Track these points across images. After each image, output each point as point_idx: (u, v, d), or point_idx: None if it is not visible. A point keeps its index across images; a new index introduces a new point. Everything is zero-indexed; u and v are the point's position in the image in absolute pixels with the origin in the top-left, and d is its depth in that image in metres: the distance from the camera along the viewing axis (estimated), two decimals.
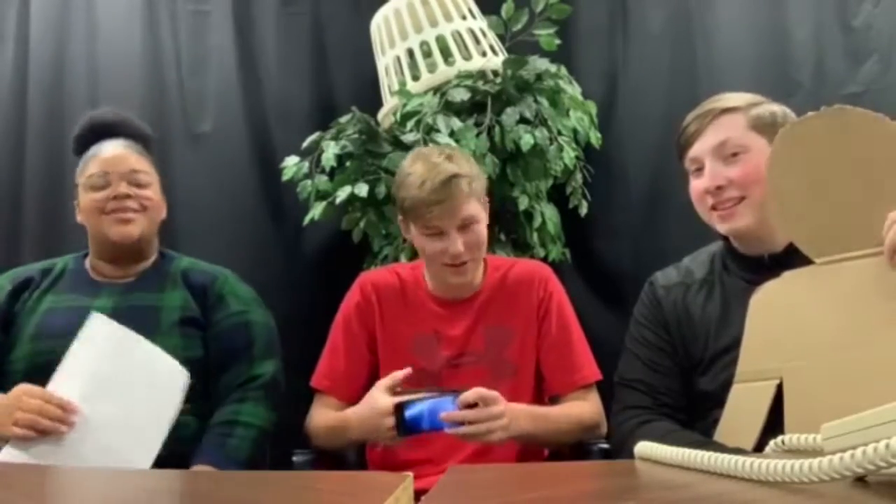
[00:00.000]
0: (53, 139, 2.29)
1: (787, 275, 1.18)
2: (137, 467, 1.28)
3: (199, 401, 1.46)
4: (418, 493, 0.63)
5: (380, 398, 1.35)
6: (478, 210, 1.49)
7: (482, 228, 1.50)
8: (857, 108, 1.12)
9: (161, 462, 1.33)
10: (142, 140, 1.62)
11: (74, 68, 2.33)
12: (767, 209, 1.22)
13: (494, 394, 1.33)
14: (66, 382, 1.32)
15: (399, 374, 1.37)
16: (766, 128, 1.25)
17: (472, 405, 1.30)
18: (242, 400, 1.48)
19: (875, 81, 2.14)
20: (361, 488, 0.66)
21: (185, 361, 1.43)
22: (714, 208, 1.28)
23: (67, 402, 1.29)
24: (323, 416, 1.53)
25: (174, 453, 1.36)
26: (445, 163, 1.46)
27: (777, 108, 1.28)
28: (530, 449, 1.51)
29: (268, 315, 1.60)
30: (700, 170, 1.29)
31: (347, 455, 1.62)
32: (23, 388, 1.30)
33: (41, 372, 1.35)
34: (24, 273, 1.56)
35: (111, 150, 1.55)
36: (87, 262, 1.59)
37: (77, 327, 1.40)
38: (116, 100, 2.16)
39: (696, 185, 1.30)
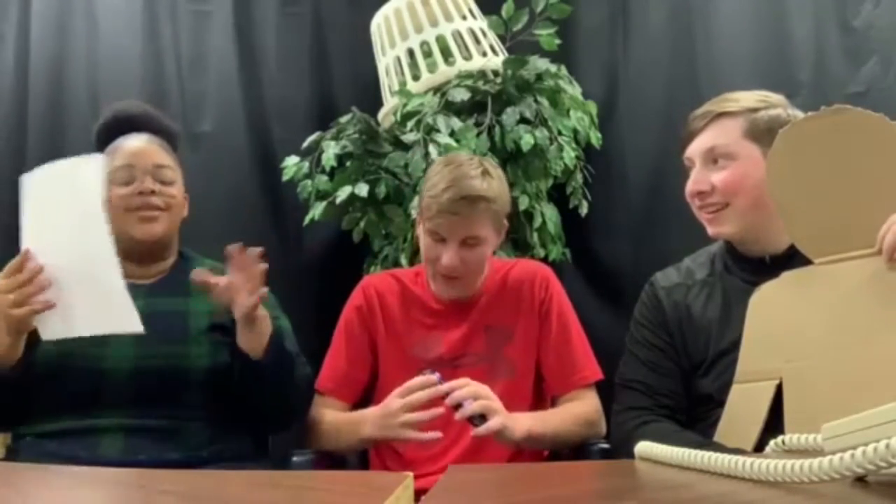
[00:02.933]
0: (54, 139, 2.30)
1: (786, 275, 1.18)
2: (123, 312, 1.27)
3: (218, 408, 1.43)
4: (418, 493, 0.63)
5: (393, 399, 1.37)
6: (487, 233, 1.47)
7: (485, 251, 1.49)
8: (857, 108, 1.12)
9: (175, 467, 1.32)
10: (167, 136, 1.57)
11: (74, 68, 2.34)
12: (756, 216, 1.23)
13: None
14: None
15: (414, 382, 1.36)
16: (761, 135, 1.23)
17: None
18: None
19: (876, 81, 2.14)
20: (361, 488, 0.66)
21: (214, 367, 1.42)
22: (700, 209, 1.30)
23: (21, 262, 1.25)
24: (333, 416, 1.53)
25: (188, 459, 1.36)
26: (478, 179, 1.44)
27: (781, 112, 1.26)
28: (530, 449, 1.51)
29: (287, 317, 1.59)
30: (693, 168, 1.30)
31: (348, 455, 1.62)
32: None
33: (65, 376, 1.33)
34: None
35: (136, 143, 1.50)
36: None
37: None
38: (116, 99, 2.15)
39: (687, 184, 1.31)
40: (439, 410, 1.32)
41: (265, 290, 1.32)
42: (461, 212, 1.43)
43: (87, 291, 1.28)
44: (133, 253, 1.50)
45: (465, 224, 1.44)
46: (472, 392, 1.31)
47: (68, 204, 1.28)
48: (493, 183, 1.46)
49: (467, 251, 1.46)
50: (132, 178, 1.46)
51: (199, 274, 1.34)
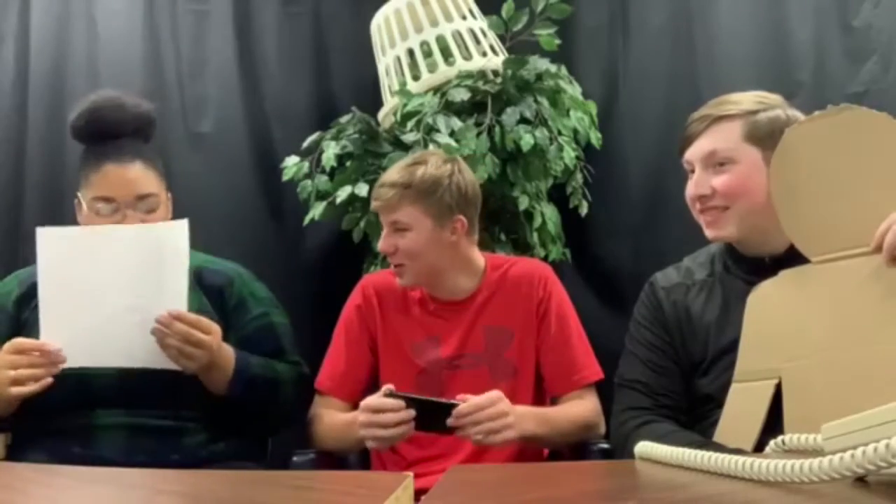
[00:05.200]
0: (53, 139, 2.29)
1: (784, 274, 1.18)
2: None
3: (216, 409, 1.43)
4: (418, 493, 0.63)
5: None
6: (412, 218, 1.51)
7: (414, 237, 1.51)
8: (863, 108, 1.12)
9: (174, 467, 1.32)
10: (144, 133, 1.53)
11: (74, 68, 2.33)
12: (757, 218, 1.23)
13: (494, 394, 1.34)
14: (53, 314, 1.31)
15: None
16: (762, 138, 1.23)
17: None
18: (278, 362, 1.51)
19: (876, 81, 2.14)
20: (361, 488, 0.66)
21: None
22: (701, 213, 1.29)
23: (41, 344, 1.29)
24: (330, 416, 1.53)
25: (187, 459, 1.36)
26: (399, 170, 1.54)
27: (780, 114, 1.25)
28: (530, 449, 1.51)
29: (284, 313, 1.59)
30: (693, 172, 1.30)
31: (348, 455, 1.62)
32: (6, 347, 1.29)
33: (56, 388, 1.31)
34: (33, 276, 1.42)
35: (118, 173, 1.43)
36: None
37: None
38: None
39: (687, 188, 1.31)
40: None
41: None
42: (380, 198, 1.54)
43: (139, 328, 1.30)
44: None
45: (385, 209, 1.54)
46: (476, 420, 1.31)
47: (146, 262, 1.32)
48: (417, 171, 1.53)
49: (398, 237, 1.53)
50: (114, 211, 1.43)
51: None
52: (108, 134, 1.48)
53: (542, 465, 1.46)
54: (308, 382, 1.56)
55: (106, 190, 1.43)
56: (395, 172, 1.55)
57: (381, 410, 1.31)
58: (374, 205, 1.58)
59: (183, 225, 1.33)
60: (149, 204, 1.45)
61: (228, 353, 1.40)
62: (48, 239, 1.33)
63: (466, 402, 1.31)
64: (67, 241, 1.34)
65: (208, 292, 1.51)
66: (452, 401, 1.32)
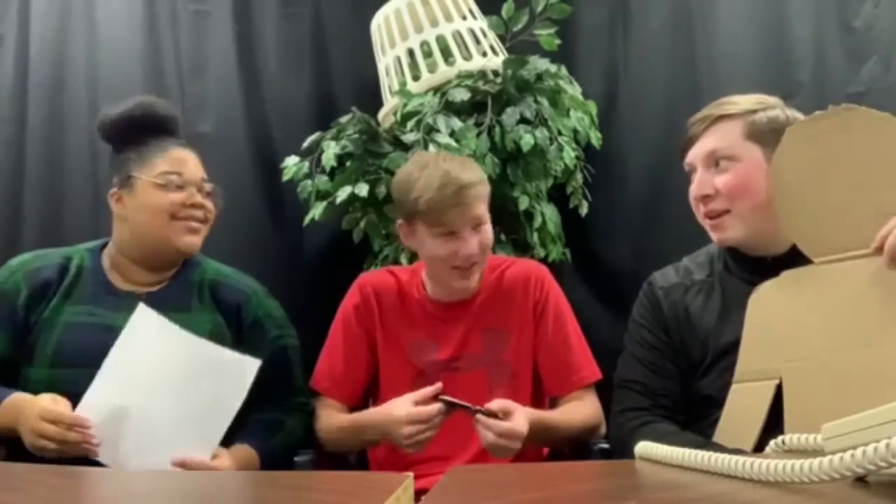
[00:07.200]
0: (53, 140, 2.29)
1: (786, 274, 1.18)
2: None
3: None
4: (418, 493, 0.63)
5: (397, 406, 1.35)
6: (486, 211, 1.51)
7: (489, 229, 1.51)
8: (865, 108, 1.12)
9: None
10: (177, 134, 1.57)
11: (74, 68, 2.33)
12: (760, 218, 1.23)
13: (518, 426, 1.32)
14: (109, 382, 1.30)
15: (429, 390, 1.37)
16: (762, 136, 1.23)
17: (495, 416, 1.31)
18: (288, 412, 1.52)
19: (876, 81, 2.14)
20: (361, 488, 0.66)
21: None
22: (705, 217, 1.29)
23: (82, 420, 1.26)
24: (331, 417, 1.53)
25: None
26: (458, 169, 1.47)
27: (779, 113, 1.26)
28: (530, 449, 1.51)
29: (295, 333, 1.60)
30: (695, 174, 1.30)
31: (348, 455, 1.62)
32: (39, 410, 1.26)
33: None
34: (41, 273, 1.45)
35: (183, 152, 1.51)
36: (105, 260, 1.50)
37: (98, 350, 1.35)
38: (116, 100, 2.15)
39: (691, 189, 1.31)
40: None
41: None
42: (464, 200, 1.44)
43: (164, 442, 1.30)
44: (150, 259, 1.49)
45: (470, 209, 1.46)
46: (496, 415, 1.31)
47: (206, 382, 1.34)
48: (473, 164, 1.55)
49: (478, 235, 1.49)
50: (183, 187, 1.48)
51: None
52: (164, 126, 1.54)
53: (542, 465, 1.46)
54: (312, 416, 1.56)
55: (177, 166, 1.49)
56: (461, 172, 1.46)
57: (429, 418, 1.31)
58: (455, 212, 1.45)
59: (254, 364, 1.36)
60: (208, 188, 1.53)
61: (248, 457, 1.40)
62: (145, 317, 1.35)
63: (498, 404, 1.31)
64: (157, 328, 1.36)
65: (224, 309, 1.51)
66: (484, 408, 1.31)
